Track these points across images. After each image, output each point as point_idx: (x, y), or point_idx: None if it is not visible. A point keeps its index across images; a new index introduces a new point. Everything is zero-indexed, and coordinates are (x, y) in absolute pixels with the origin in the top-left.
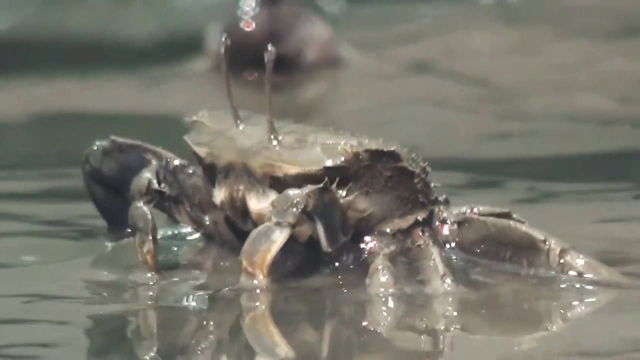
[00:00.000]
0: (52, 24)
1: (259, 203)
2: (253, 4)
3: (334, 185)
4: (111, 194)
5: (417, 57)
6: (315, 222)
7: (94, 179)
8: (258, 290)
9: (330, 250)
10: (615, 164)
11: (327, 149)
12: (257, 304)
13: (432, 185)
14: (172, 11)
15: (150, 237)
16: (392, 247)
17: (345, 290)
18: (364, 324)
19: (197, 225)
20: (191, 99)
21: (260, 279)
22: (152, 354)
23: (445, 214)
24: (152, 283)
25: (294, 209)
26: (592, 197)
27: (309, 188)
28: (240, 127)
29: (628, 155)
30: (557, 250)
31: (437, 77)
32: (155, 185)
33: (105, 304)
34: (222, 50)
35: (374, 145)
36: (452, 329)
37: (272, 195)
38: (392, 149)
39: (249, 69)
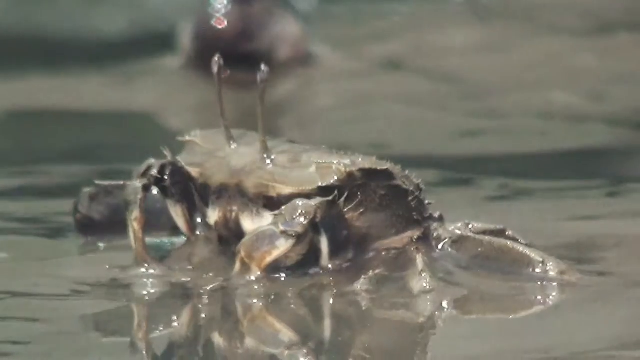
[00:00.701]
0: (21, 21)
1: (253, 223)
2: (225, 2)
3: (341, 200)
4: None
5: (389, 55)
6: (320, 234)
7: (87, 227)
8: (256, 287)
9: (329, 266)
10: (588, 161)
11: (320, 168)
12: (253, 299)
13: (426, 202)
14: (143, 8)
15: (138, 206)
16: (378, 270)
17: (335, 291)
18: (358, 316)
19: (191, 231)
20: (162, 96)
21: (255, 274)
22: (131, 351)
23: (440, 231)
24: (129, 281)
25: (302, 219)
26: (564, 195)
27: (317, 200)
28: (233, 147)
29: (601, 152)
30: (556, 272)
31: (409, 75)
32: (154, 171)
33: (79, 301)
34: (215, 69)
35: (367, 164)
36: (437, 322)
37: (267, 216)
38: (385, 167)
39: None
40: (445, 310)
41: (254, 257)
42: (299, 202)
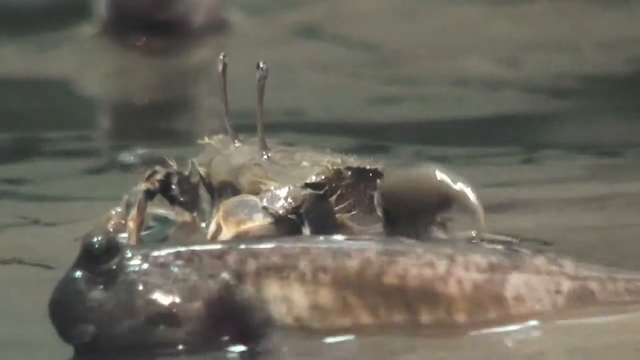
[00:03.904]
0: None
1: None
2: None
3: (333, 198)
4: None
5: (303, 22)
6: (304, 226)
7: None
8: None
9: None
10: (503, 128)
11: (310, 166)
12: None
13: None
14: None
15: (136, 207)
16: None
17: None
18: None
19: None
20: (79, 64)
21: (225, 237)
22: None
23: (439, 234)
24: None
25: (286, 203)
26: (480, 161)
27: (308, 191)
28: (237, 146)
29: (516, 119)
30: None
31: (323, 42)
32: (159, 176)
33: (13, 270)
34: (220, 68)
35: (356, 163)
36: None
37: None
38: (374, 167)
39: (137, 33)
40: None
41: (229, 220)
42: (291, 187)
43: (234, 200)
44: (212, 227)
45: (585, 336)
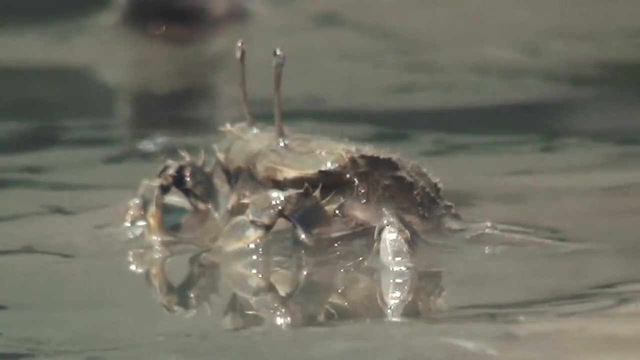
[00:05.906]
0: None
1: None
2: None
3: (317, 192)
4: None
5: (323, 10)
6: (294, 226)
7: None
8: (239, 252)
9: (306, 241)
10: (522, 116)
11: (325, 153)
12: (235, 263)
13: (441, 202)
14: None
15: (154, 203)
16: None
17: (312, 258)
18: (330, 279)
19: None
20: (99, 53)
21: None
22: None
23: (452, 224)
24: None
25: (271, 211)
26: (499, 149)
27: (289, 192)
28: (255, 132)
29: (535, 106)
30: None
31: (343, 30)
32: (172, 171)
33: (29, 258)
34: (239, 55)
35: (370, 152)
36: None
37: None
38: (388, 157)
39: (156, 22)
40: (411, 277)
41: (227, 245)
42: (271, 192)
43: (227, 227)
44: (219, 243)
45: None
